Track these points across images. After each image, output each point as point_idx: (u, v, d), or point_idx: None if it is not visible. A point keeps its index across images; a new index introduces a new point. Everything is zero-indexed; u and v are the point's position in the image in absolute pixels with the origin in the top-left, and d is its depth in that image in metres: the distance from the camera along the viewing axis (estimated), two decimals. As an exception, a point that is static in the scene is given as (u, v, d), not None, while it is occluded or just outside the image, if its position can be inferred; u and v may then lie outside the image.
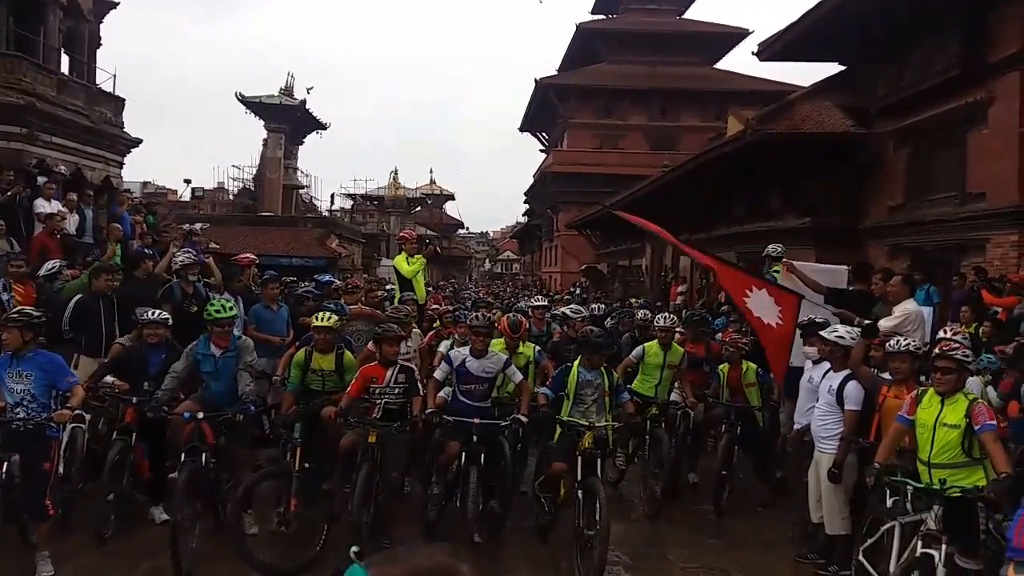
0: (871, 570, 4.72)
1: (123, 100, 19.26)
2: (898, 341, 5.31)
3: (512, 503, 6.40)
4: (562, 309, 9.98)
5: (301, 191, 39.08)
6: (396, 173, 52.71)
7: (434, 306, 10.38)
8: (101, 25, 19.54)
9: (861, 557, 4.83)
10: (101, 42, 19.61)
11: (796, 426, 6.29)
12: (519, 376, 6.36)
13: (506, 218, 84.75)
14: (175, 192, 34.04)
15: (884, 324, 6.18)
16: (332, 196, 47.65)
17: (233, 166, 38.08)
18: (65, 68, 18.15)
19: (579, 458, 5.66)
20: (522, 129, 48.76)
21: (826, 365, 5.80)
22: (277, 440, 6.62)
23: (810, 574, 5.63)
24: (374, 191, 52.74)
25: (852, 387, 5.42)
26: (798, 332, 6.72)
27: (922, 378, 5.33)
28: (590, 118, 40.18)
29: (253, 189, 36.40)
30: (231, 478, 6.20)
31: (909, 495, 4.55)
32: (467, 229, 79.50)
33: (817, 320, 6.46)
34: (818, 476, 5.56)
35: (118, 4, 19.82)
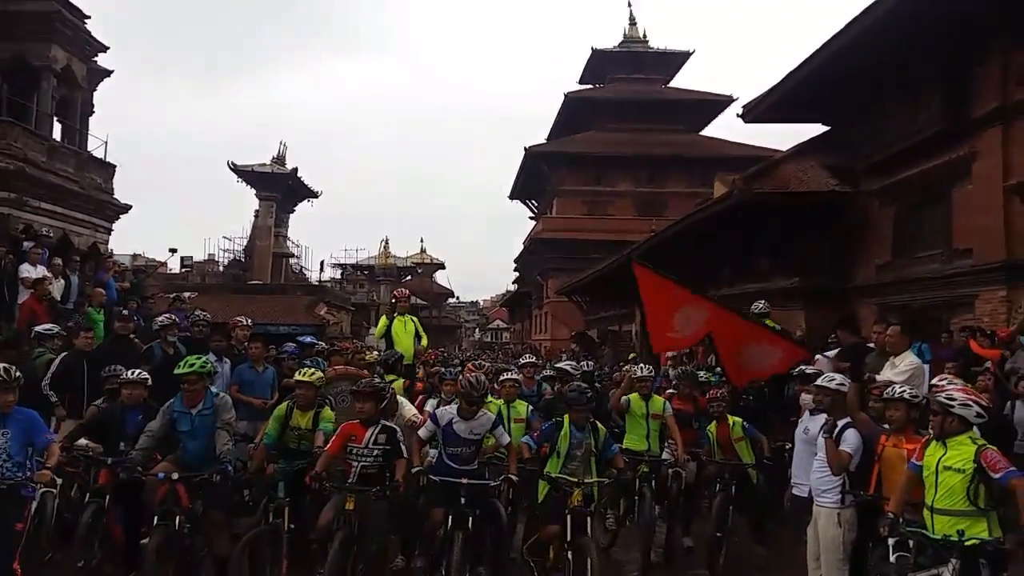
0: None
1: (114, 167, 19.39)
2: (893, 389, 5.19)
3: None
4: (560, 364, 9.86)
5: (291, 260, 39.16)
6: (387, 242, 53.21)
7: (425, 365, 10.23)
8: (94, 93, 19.79)
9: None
10: (94, 110, 19.83)
11: (793, 480, 6.09)
12: (507, 438, 6.13)
13: (496, 287, 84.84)
14: (165, 264, 34.17)
15: (893, 376, 6.06)
16: (322, 264, 47.77)
17: (224, 237, 38.20)
18: (57, 134, 18.28)
19: (568, 517, 5.46)
20: (512, 197, 49.30)
21: (823, 417, 5.65)
22: (256, 508, 6.38)
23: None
24: (364, 261, 53.02)
25: (850, 432, 5.27)
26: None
27: (920, 430, 5.19)
28: (579, 185, 40.68)
29: (243, 260, 36.45)
30: (206, 544, 5.95)
31: (917, 549, 4.36)
32: (457, 298, 79.40)
33: (808, 372, 6.35)
34: (817, 533, 5.35)
35: (112, 73, 20.14)
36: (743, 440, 7.18)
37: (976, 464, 4.18)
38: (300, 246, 40.95)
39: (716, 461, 7.11)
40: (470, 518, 5.57)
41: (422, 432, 6.06)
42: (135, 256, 46.80)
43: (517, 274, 53.96)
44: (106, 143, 19.60)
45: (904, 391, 5.16)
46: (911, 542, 4.45)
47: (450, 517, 5.55)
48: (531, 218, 48.90)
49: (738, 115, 17.90)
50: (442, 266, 63.87)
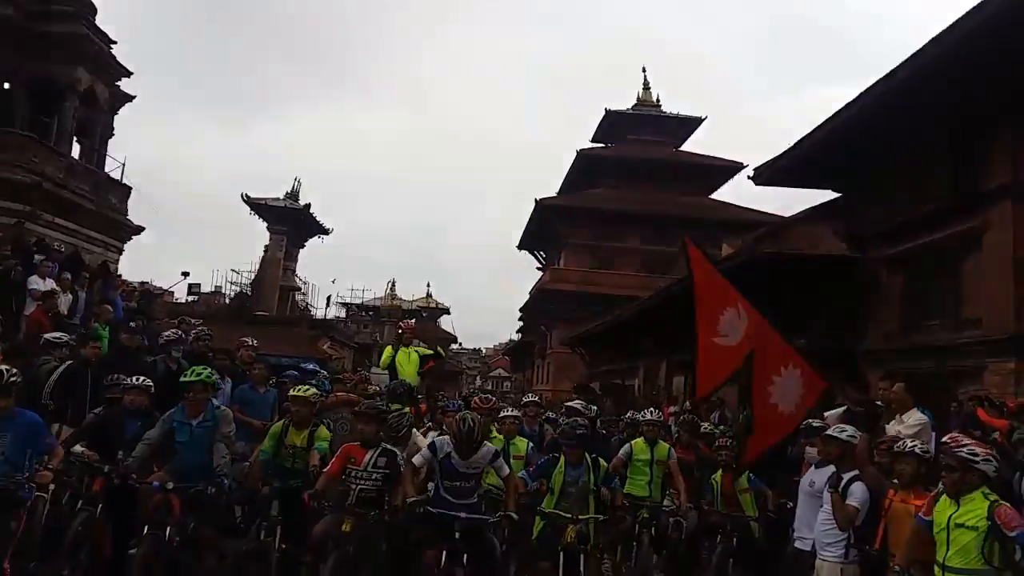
0: None
1: (130, 188, 19.70)
2: (904, 443, 5.13)
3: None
4: (570, 403, 9.77)
5: (298, 295, 39.23)
6: (393, 284, 53.38)
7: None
8: (115, 116, 20.15)
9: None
10: (114, 132, 20.18)
11: (796, 534, 5.97)
12: (506, 469, 5.92)
13: (499, 335, 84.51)
14: (172, 294, 34.27)
15: (903, 431, 5.99)
16: (328, 299, 47.79)
17: (232, 270, 38.35)
18: (76, 153, 18.56)
19: (560, 554, 5.34)
20: (520, 247, 49.50)
21: (830, 469, 5.57)
22: (248, 529, 6.28)
23: None
24: (370, 301, 53.06)
25: (858, 486, 5.19)
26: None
27: (929, 487, 5.10)
28: (587, 239, 40.85)
29: (249, 294, 36.51)
30: (194, 561, 5.84)
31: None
32: (460, 344, 79.28)
33: (814, 424, 6.28)
34: (821, 587, 5.23)
35: (134, 98, 20.51)
36: (748, 492, 7.07)
37: (990, 521, 4.09)
38: (307, 283, 41.18)
39: (719, 512, 6.98)
40: (465, 556, 5.39)
41: (416, 459, 5.79)
42: (143, 283, 47.07)
43: (521, 323, 53.89)
44: (123, 165, 19.95)
45: (915, 445, 5.10)
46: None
47: (444, 553, 5.37)
48: (538, 268, 49.06)
49: (749, 177, 17.98)
50: (447, 311, 63.95)
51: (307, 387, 6.53)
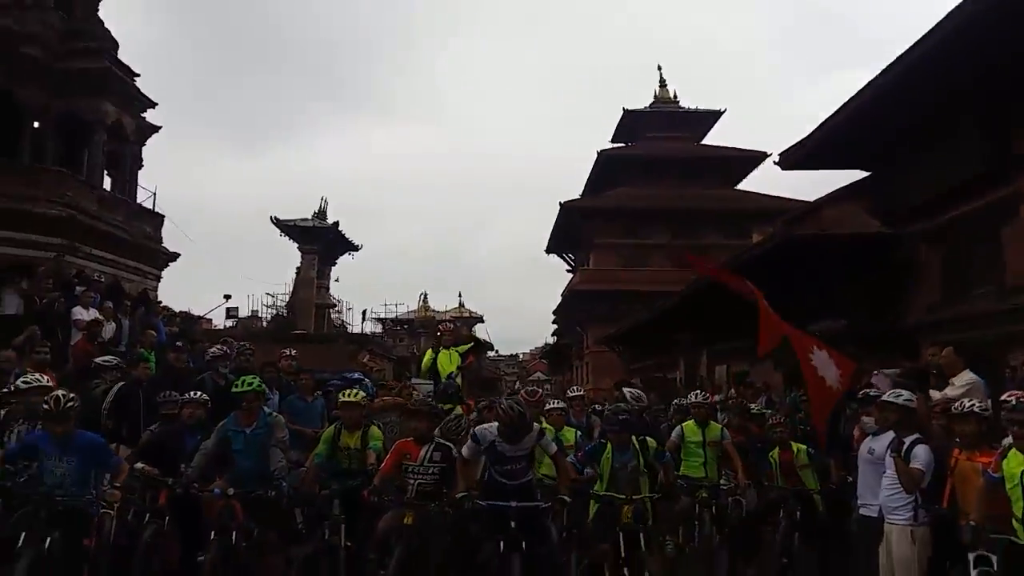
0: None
1: (162, 217, 20.04)
2: (963, 403, 5.06)
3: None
4: (627, 388, 9.76)
5: (332, 313, 39.55)
6: (426, 297, 53.60)
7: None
8: (143, 148, 20.56)
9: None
10: (143, 163, 20.59)
11: (860, 501, 5.90)
12: (554, 447, 5.78)
13: (535, 339, 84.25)
14: (210, 320, 34.81)
15: (949, 393, 5.92)
16: (364, 313, 47.97)
17: (267, 294, 38.86)
18: (108, 186, 18.96)
19: (620, 534, 5.32)
20: (548, 251, 49.49)
21: (889, 435, 5.51)
22: (310, 535, 6.35)
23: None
24: (404, 315, 53.32)
25: (921, 449, 5.12)
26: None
27: (993, 444, 5.02)
28: (614, 238, 40.70)
29: (286, 315, 36.90)
30: (260, 566, 5.92)
31: (1004, 562, 4.18)
32: (496, 352, 79.36)
33: (871, 394, 6.22)
34: (890, 551, 5.16)
35: (160, 128, 20.92)
36: (808, 468, 7.00)
37: None
38: (341, 301, 41.57)
39: (779, 487, 6.92)
40: (523, 543, 5.27)
41: (464, 451, 5.71)
42: (182, 312, 47.80)
43: (556, 327, 53.85)
44: (154, 194, 20.33)
45: (974, 404, 5.03)
46: (994, 559, 4.28)
47: (501, 543, 5.26)
48: (568, 271, 49.04)
49: (775, 162, 17.87)
50: (480, 320, 64.04)
51: (356, 391, 6.61)
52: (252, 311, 41.76)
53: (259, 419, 6.04)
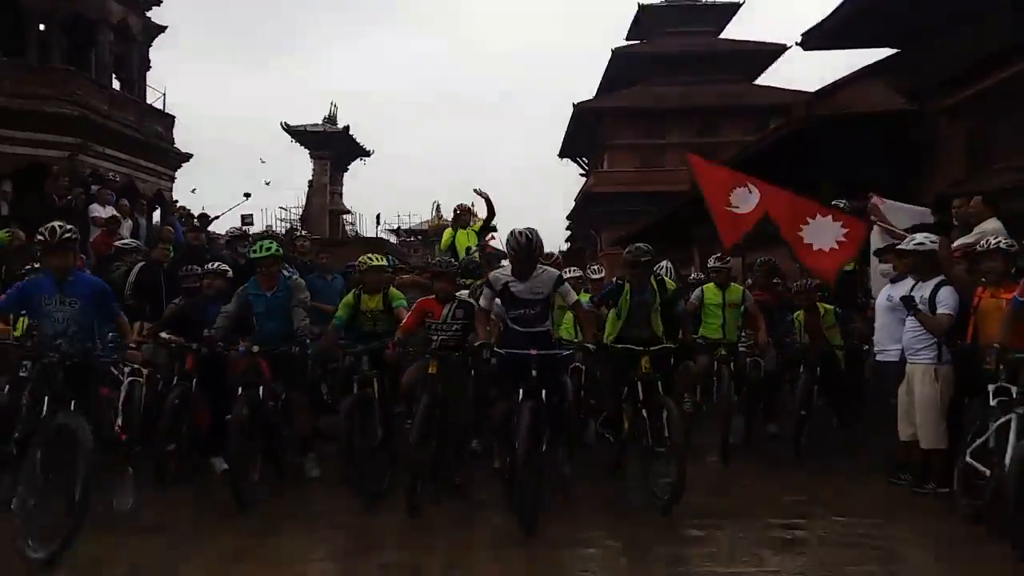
0: (982, 468, 4.35)
1: (173, 117, 19.85)
2: (988, 240, 5.00)
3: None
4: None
5: (346, 220, 39.55)
6: (438, 207, 52.91)
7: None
8: (150, 48, 20.20)
9: (970, 458, 4.46)
10: (150, 64, 20.26)
11: (878, 347, 5.93)
12: (573, 296, 5.57)
13: (549, 245, 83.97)
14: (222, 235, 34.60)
15: (960, 242, 5.87)
16: (378, 217, 47.79)
17: (280, 207, 38.71)
18: (116, 87, 18.75)
19: (638, 384, 5.33)
20: (561, 155, 48.83)
21: (908, 282, 5.48)
22: (336, 406, 6.48)
23: (905, 496, 5.25)
24: (418, 225, 53.15)
25: (946, 291, 5.10)
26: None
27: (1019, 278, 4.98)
28: (629, 139, 40.09)
29: (299, 229, 36.92)
30: (290, 425, 6.06)
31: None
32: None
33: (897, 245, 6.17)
34: (911, 391, 5.20)
35: (166, 28, 20.50)
36: (835, 328, 6.99)
37: None
38: (353, 211, 41.44)
39: (800, 345, 6.95)
40: (543, 392, 5.03)
41: (482, 301, 5.42)
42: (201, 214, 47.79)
43: (569, 232, 53.65)
44: (164, 95, 20.06)
45: (1000, 241, 4.97)
46: (1013, 389, 4.31)
47: (520, 392, 5.02)
48: (581, 175, 48.48)
49: (796, 43, 17.28)
50: (495, 229, 63.71)
51: (379, 256, 6.62)
52: (267, 225, 41.78)
53: (279, 282, 6.06)
